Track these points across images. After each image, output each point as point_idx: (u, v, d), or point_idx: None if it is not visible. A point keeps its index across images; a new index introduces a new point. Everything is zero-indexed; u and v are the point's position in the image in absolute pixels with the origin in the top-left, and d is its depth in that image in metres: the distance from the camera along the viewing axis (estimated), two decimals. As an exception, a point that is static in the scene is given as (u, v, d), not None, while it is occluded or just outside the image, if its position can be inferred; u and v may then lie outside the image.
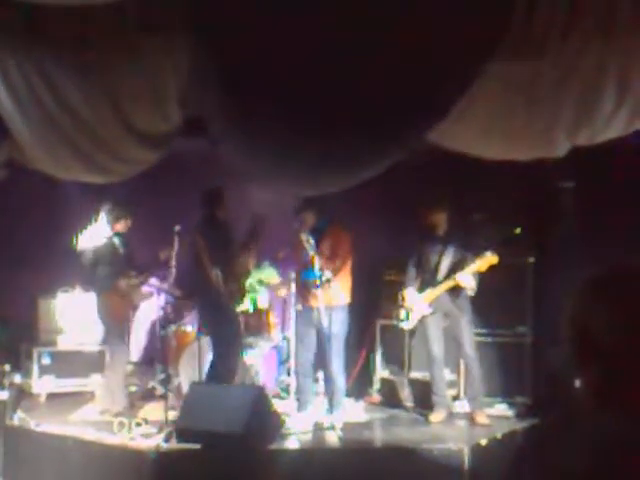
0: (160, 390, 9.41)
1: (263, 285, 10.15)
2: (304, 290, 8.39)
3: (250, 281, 9.84)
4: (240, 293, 9.16)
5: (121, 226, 8.88)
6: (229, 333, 8.70)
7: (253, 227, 8.77)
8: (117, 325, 8.92)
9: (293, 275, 8.79)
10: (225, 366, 8.64)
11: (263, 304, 10.11)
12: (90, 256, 8.70)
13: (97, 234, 8.75)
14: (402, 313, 8.81)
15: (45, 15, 5.76)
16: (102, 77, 6.28)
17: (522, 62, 5.85)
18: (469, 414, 8.63)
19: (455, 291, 8.42)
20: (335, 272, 8.15)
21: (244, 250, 8.92)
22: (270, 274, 10.26)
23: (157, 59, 6.18)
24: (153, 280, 9.39)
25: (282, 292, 10.04)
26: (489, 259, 8.16)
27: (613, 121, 6.23)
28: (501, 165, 7.11)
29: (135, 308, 9.25)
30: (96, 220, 8.79)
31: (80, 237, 8.80)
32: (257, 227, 8.79)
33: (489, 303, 8.84)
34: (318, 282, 8.00)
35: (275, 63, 5.33)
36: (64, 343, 10.08)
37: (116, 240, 8.86)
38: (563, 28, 5.57)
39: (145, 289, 9.39)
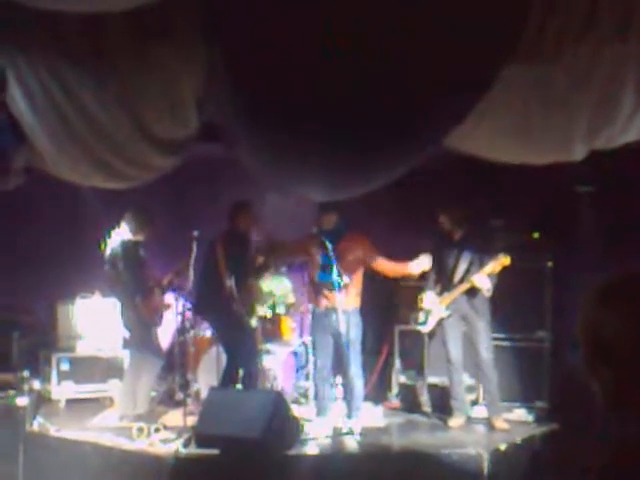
0: (179, 395, 9.44)
1: (278, 300, 10.15)
2: (317, 292, 8.38)
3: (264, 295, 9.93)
4: (252, 309, 9.24)
5: (144, 234, 8.89)
6: (243, 341, 8.73)
7: (263, 258, 9.01)
8: (151, 329, 8.93)
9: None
10: (237, 372, 8.68)
11: (281, 309, 10.11)
12: (122, 262, 8.69)
13: (121, 240, 8.76)
14: (421, 316, 8.85)
15: (62, 22, 5.79)
16: (119, 84, 6.30)
17: (538, 66, 5.84)
18: (488, 419, 8.61)
19: (472, 294, 8.42)
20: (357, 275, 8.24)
21: (255, 275, 9.12)
22: (282, 284, 10.26)
23: (173, 65, 6.20)
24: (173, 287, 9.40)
25: (300, 309, 10.08)
26: (502, 261, 8.18)
27: (630, 124, 6.21)
28: (519, 169, 7.10)
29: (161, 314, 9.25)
30: (119, 226, 8.81)
31: (108, 242, 8.81)
32: (266, 259, 9.06)
33: (508, 308, 8.83)
34: (335, 286, 8.01)
35: (290, 68, 5.33)
36: (83, 349, 10.11)
37: (140, 247, 8.88)
38: (578, 32, 5.56)
39: (166, 297, 9.40)
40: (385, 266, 8.39)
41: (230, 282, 8.55)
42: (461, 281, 8.47)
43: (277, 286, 10.18)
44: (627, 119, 6.14)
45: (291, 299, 10.22)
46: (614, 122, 6.20)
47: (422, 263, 8.24)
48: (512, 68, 5.67)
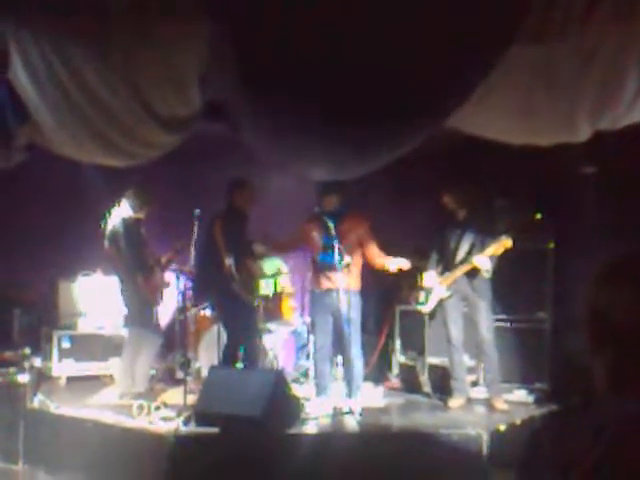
0: (179, 374, 9.46)
1: (273, 277, 10.14)
2: (319, 273, 8.37)
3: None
4: (252, 288, 9.24)
5: (144, 212, 8.91)
6: (243, 319, 8.75)
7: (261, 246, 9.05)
8: (151, 307, 8.95)
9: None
10: (237, 351, 8.70)
11: (283, 288, 10.12)
12: (123, 240, 8.70)
13: (122, 218, 8.76)
14: (421, 296, 8.85)
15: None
16: (122, 61, 6.27)
17: (542, 45, 5.80)
18: (488, 400, 8.62)
19: (473, 275, 8.41)
20: (354, 256, 8.20)
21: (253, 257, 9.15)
22: (277, 265, 10.26)
23: (177, 43, 6.16)
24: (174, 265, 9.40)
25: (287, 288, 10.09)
26: (504, 243, 8.17)
27: (635, 105, 6.17)
28: (523, 150, 7.07)
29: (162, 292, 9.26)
30: (119, 204, 8.82)
31: (108, 220, 8.81)
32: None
33: (509, 289, 8.83)
34: (338, 266, 8.01)
35: (293, 47, 5.30)
36: (84, 326, 10.14)
37: (140, 225, 8.89)
38: (584, 11, 5.52)
39: (166, 275, 9.41)
40: (373, 254, 8.36)
41: (229, 261, 8.55)
42: (462, 262, 8.46)
43: (271, 264, 10.18)
44: (632, 100, 6.10)
45: (286, 281, 10.24)
46: (619, 103, 6.16)
47: (399, 262, 8.23)
48: (516, 48, 5.63)
